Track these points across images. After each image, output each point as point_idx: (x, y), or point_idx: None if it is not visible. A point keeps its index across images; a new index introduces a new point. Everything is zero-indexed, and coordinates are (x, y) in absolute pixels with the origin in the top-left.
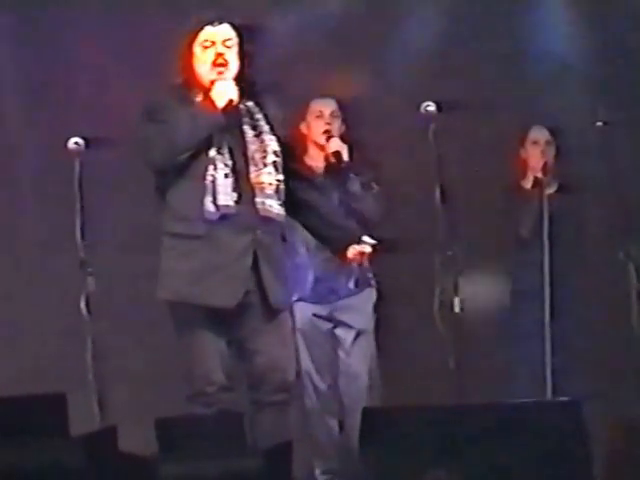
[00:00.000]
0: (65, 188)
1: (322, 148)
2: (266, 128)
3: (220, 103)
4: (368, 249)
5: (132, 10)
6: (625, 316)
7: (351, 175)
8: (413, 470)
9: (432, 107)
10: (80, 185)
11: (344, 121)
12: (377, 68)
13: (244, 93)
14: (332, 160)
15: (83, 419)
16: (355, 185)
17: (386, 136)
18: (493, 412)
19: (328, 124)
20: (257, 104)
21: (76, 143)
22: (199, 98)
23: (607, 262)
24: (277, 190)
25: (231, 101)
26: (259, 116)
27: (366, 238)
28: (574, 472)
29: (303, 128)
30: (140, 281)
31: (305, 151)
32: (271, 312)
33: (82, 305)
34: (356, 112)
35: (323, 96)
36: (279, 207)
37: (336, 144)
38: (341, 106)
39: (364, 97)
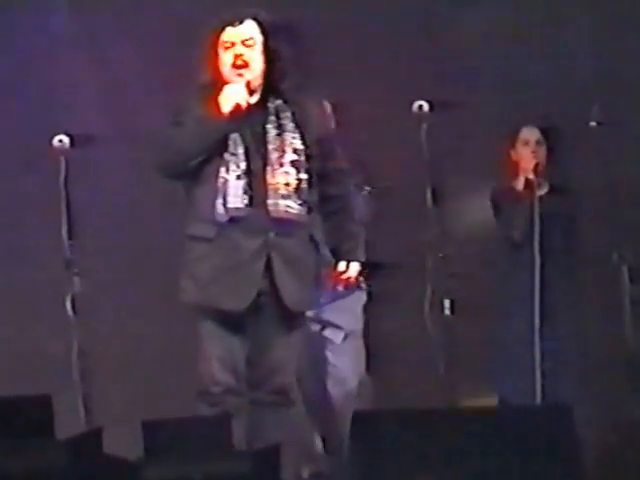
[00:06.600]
0: (50, 187)
1: None
2: (290, 127)
3: (225, 108)
4: (353, 273)
5: (123, 5)
6: (618, 319)
7: None
8: (402, 474)
9: (424, 106)
10: (65, 184)
11: (337, 122)
12: (370, 67)
13: (272, 92)
14: None
15: (69, 421)
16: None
17: (377, 135)
18: (483, 416)
19: None
20: (286, 102)
21: (60, 141)
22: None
23: (600, 264)
24: (297, 190)
25: (238, 105)
26: (285, 114)
27: (354, 264)
28: (564, 477)
29: None
30: (126, 282)
31: None
32: (286, 314)
33: (68, 305)
34: (347, 112)
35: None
36: (299, 207)
37: None
38: (333, 107)
39: (355, 97)
